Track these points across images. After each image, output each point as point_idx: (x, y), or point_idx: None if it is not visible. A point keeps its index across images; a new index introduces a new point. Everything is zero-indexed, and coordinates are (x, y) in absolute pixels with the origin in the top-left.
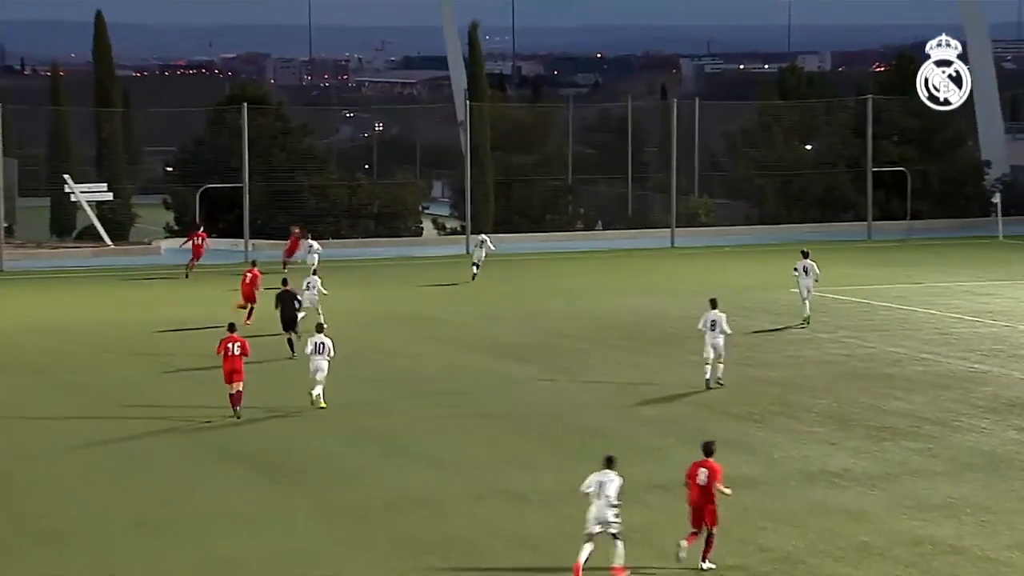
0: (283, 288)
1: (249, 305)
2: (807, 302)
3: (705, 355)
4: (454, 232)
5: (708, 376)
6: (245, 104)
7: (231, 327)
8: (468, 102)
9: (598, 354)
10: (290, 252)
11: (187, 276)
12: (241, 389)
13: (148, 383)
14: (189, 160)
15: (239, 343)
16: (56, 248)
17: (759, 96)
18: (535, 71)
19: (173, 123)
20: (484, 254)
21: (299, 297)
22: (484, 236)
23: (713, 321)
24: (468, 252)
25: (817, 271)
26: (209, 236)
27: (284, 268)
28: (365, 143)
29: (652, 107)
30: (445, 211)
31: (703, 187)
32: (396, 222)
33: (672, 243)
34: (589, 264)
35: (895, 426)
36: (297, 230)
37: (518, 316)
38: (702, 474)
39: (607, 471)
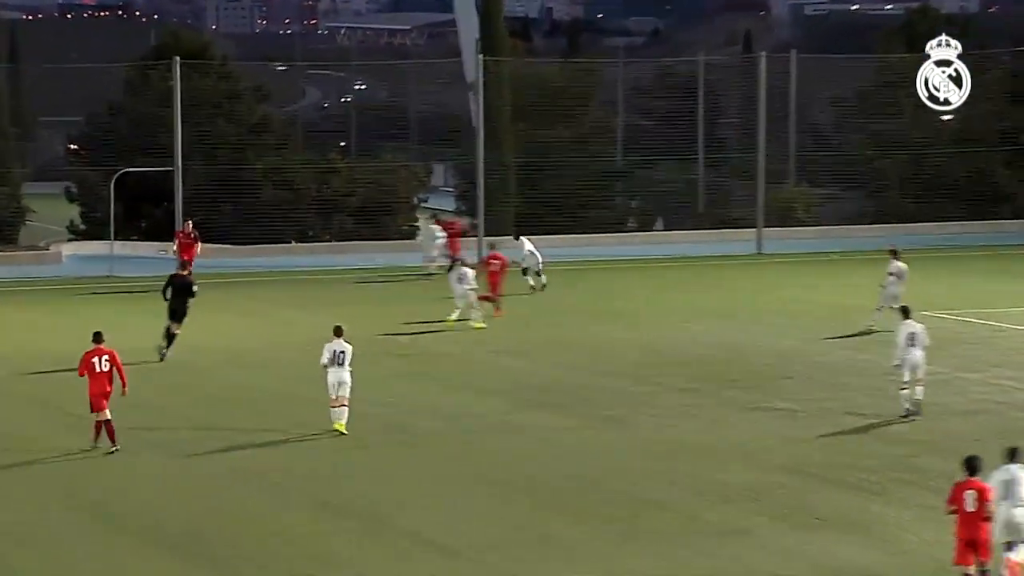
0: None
1: (496, 297)
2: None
3: (903, 376)
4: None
5: (907, 403)
6: (177, 59)
7: (96, 337)
8: (481, 56)
9: (656, 400)
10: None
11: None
12: (109, 417)
13: (33, 442)
14: (101, 135)
15: (107, 356)
16: None
17: (879, 48)
18: (572, 14)
19: (79, 84)
20: (540, 259)
21: (194, 287)
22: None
23: (912, 334)
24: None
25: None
26: (190, 232)
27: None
28: (341, 112)
29: (732, 63)
30: (450, 204)
31: (802, 172)
32: (383, 219)
33: (759, 248)
34: (645, 277)
35: None
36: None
37: (546, 347)
38: (970, 498)
39: (1011, 465)
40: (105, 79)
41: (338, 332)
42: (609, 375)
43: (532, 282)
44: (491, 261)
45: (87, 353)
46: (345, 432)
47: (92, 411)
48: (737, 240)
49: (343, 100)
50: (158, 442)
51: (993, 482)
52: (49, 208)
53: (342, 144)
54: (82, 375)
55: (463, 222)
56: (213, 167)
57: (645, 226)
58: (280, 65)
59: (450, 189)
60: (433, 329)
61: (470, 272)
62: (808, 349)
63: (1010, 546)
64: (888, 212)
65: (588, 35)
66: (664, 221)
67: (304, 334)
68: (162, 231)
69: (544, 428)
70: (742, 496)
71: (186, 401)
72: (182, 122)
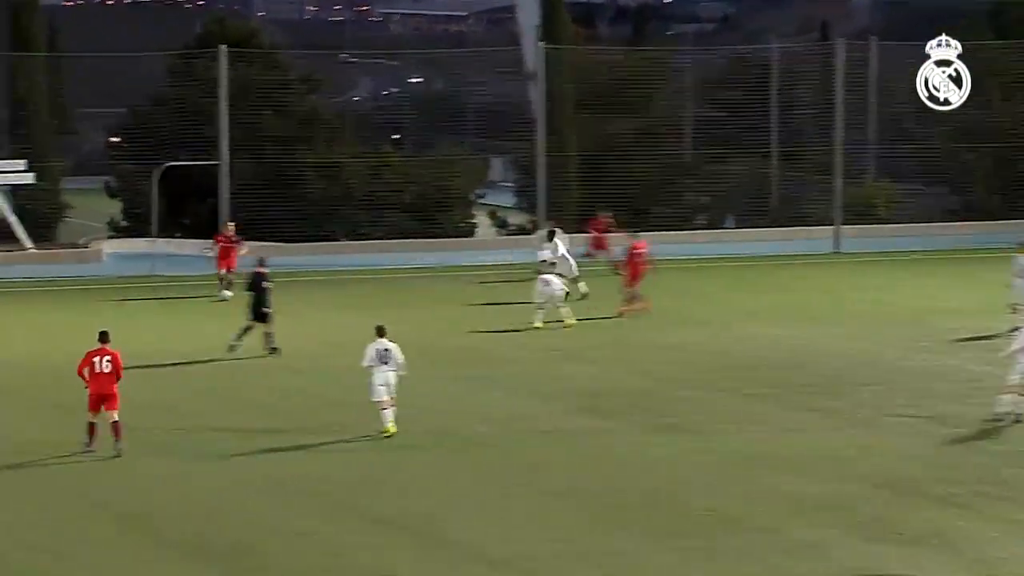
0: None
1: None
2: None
3: (1010, 379)
4: (520, 231)
5: (1007, 409)
6: (223, 47)
7: (102, 336)
8: (542, 44)
9: (726, 407)
10: (601, 245)
11: (223, 290)
12: (117, 419)
13: (72, 451)
14: (143, 127)
15: (109, 357)
16: None
17: (966, 34)
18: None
19: (120, 74)
20: (573, 265)
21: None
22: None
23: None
24: (539, 259)
25: None
26: (231, 236)
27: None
28: (394, 103)
29: (808, 51)
30: (508, 200)
31: (883, 166)
32: (438, 216)
33: (836, 246)
34: (714, 276)
35: None
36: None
37: (610, 351)
38: None
39: None
40: (148, 69)
41: (380, 332)
42: (676, 381)
43: (568, 289)
44: (635, 252)
45: (89, 352)
46: (393, 432)
47: (88, 410)
48: (813, 238)
49: (396, 91)
50: (201, 449)
51: None
52: (89, 203)
53: (395, 137)
54: (80, 374)
55: (607, 218)
56: (260, 161)
57: (714, 223)
58: (331, 53)
59: (509, 184)
60: (493, 330)
61: (553, 278)
62: (889, 353)
63: None
64: (974, 208)
65: (655, 22)
66: (734, 218)
67: (355, 336)
68: (206, 228)
69: (606, 436)
70: (819, 509)
71: (230, 406)
72: (228, 114)
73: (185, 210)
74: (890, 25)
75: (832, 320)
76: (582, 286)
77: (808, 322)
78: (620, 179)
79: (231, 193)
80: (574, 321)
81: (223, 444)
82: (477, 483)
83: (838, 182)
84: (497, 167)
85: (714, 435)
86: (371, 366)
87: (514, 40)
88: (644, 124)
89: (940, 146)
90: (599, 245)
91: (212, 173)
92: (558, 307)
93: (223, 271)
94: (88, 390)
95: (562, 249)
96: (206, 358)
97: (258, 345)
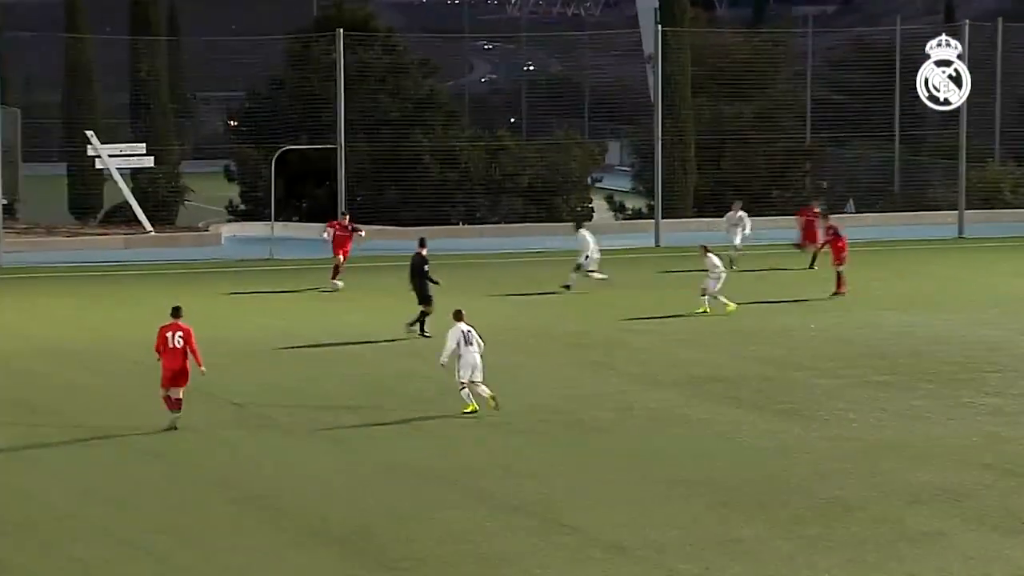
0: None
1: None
2: None
3: None
4: (638, 215)
5: None
6: (340, 31)
7: (175, 312)
8: (659, 27)
9: (846, 394)
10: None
11: (335, 281)
12: (181, 396)
13: (194, 432)
14: (261, 111)
15: (182, 332)
16: (75, 235)
17: None
18: None
19: (239, 58)
20: (740, 239)
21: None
22: (742, 213)
23: None
24: (656, 244)
25: None
26: (347, 225)
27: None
28: (511, 87)
29: (932, 32)
30: (625, 184)
31: (1008, 150)
32: (555, 200)
33: (960, 231)
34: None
35: None
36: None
37: (725, 336)
38: None
39: None
40: (266, 53)
41: (458, 316)
42: (795, 367)
43: (598, 275)
44: (832, 234)
45: (162, 328)
46: (475, 411)
47: (161, 386)
48: (937, 223)
49: (513, 75)
50: (319, 430)
51: None
52: (208, 187)
53: (512, 121)
54: (158, 349)
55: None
56: (377, 145)
57: (835, 208)
58: (448, 37)
59: (626, 168)
60: (609, 312)
61: (714, 259)
62: (1016, 340)
63: None
64: None
65: (775, 3)
66: (856, 203)
67: (475, 321)
68: (323, 212)
69: (723, 422)
70: (941, 497)
71: (349, 390)
72: (345, 98)
73: (303, 194)
74: (1018, 5)
75: (957, 307)
76: (599, 273)
77: (932, 309)
78: (738, 162)
79: (348, 177)
80: (734, 307)
81: (341, 426)
82: (595, 469)
83: (963, 166)
84: (614, 151)
85: (835, 422)
86: (455, 349)
87: (632, 23)
88: (763, 107)
89: None
90: (810, 237)
91: (329, 157)
92: (717, 294)
93: (340, 258)
94: (162, 365)
95: (590, 240)
96: (334, 340)
97: (375, 327)
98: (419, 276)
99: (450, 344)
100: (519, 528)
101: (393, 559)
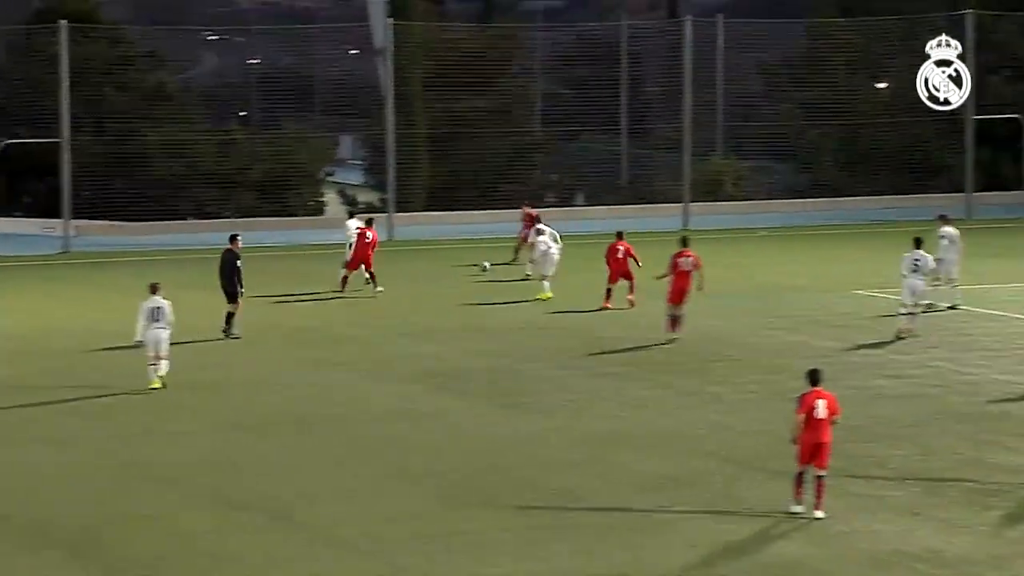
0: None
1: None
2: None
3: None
4: (371, 209)
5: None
6: (63, 23)
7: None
8: (390, 21)
9: (575, 385)
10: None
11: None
12: None
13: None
14: None
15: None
16: None
17: (811, 13)
18: None
19: None
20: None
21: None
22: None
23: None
24: (390, 238)
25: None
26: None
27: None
28: (241, 80)
29: (656, 29)
30: (357, 179)
31: (730, 144)
32: (287, 194)
33: (685, 223)
34: (566, 254)
35: (1007, 488)
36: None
37: (458, 332)
38: (820, 406)
39: None
40: None
41: (153, 289)
42: (524, 359)
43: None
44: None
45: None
46: (161, 387)
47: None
48: (662, 215)
49: (243, 67)
50: (42, 434)
51: None
52: None
53: (242, 114)
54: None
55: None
56: (104, 139)
57: (565, 201)
58: (175, 29)
59: (358, 162)
60: (340, 308)
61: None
62: (737, 331)
63: None
64: (821, 185)
65: None
66: (585, 195)
67: (201, 315)
68: (46, 207)
69: (453, 416)
70: (667, 485)
71: (70, 391)
72: (70, 91)
73: (24, 189)
74: (739, 3)
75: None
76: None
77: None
78: (470, 156)
79: (74, 171)
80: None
81: (64, 427)
82: (324, 465)
83: (686, 159)
84: (347, 145)
85: (564, 414)
86: (145, 326)
87: (362, 15)
88: (494, 101)
89: (786, 124)
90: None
91: (54, 151)
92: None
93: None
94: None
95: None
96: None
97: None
98: (229, 273)
99: (141, 320)
100: (248, 526)
101: (122, 559)
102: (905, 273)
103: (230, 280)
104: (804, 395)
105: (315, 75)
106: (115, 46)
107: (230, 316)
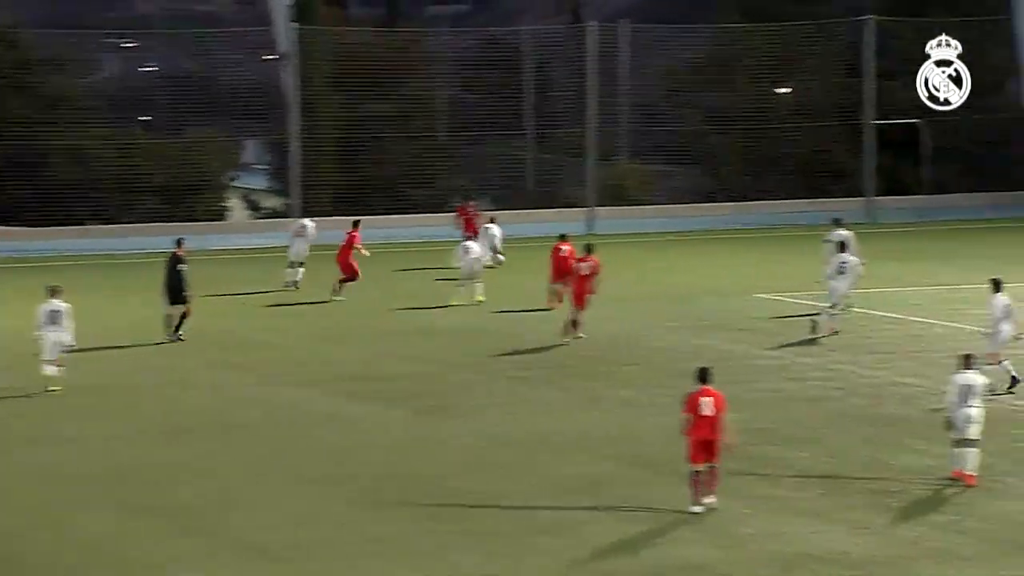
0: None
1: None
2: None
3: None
4: (274, 214)
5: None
6: None
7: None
8: (294, 24)
9: (489, 389)
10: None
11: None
12: None
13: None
14: None
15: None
16: None
17: (715, 18)
18: None
19: None
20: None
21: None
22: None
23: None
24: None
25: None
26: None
27: None
28: (143, 84)
29: (561, 33)
30: (261, 183)
31: (634, 148)
32: (190, 199)
33: (590, 227)
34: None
35: (908, 489)
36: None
37: (368, 335)
38: (705, 404)
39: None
40: None
41: (53, 292)
42: (440, 364)
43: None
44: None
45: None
46: (59, 389)
47: None
48: (568, 220)
49: (145, 71)
50: None
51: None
52: None
53: (145, 118)
54: None
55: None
56: (4, 145)
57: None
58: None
59: (263, 167)
60: (245, 313)
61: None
62: (641, 334)
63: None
64: (723, 190)
65: (409, 3)
66: (491, 199)
67: (104, 323)
68: None
69: (371, 420)
70: (578, 489)
71: None
72: None
73: None
74: (644, 7)
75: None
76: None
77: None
78: (375, 161)
79: None
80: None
81: None
82: (241, 471)
83: (590, 163)
84: (250, 149)
85: (479, 417)
86: (42, 326)
87: (265, 20)
88: (399, 106)
89: (690, 129)
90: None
91: None
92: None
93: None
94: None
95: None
96: None
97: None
98: (174, 277)
99: (40, 319)
100: (160, 533)
101: (31, 566)
102: (832, 275)
103: (175, 283)
104: (691, 394)
105: (219, 79)
106: (13, 50)
107: (183, 318)
